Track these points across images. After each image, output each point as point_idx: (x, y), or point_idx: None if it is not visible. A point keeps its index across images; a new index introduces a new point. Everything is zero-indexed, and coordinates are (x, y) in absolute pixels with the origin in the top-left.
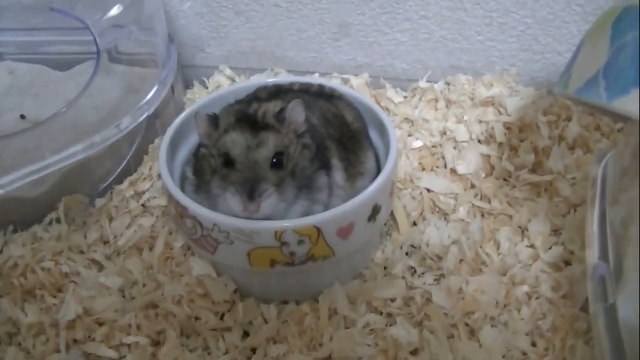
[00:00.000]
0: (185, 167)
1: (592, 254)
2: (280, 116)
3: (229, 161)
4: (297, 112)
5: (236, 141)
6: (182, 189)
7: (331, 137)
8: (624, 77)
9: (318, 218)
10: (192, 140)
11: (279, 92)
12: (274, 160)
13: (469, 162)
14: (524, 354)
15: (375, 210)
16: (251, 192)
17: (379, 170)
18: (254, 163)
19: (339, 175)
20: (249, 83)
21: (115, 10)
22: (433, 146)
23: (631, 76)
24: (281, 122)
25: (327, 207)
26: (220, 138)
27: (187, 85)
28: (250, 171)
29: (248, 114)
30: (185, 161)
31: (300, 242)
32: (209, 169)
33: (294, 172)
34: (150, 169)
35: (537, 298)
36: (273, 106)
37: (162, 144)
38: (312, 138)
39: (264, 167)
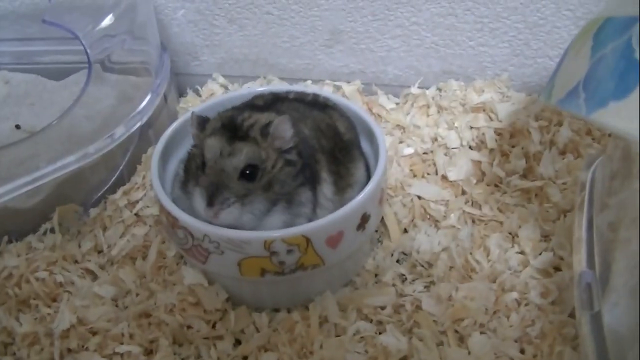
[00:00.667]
0: (179, 165)
1: (580, 260)
2: (265, 131)
3: (203, 163)
4: (283, 129)
5: (211, 146)
6: (174, 192)
7: (322, 149)
8: (603, 89)
9: (307, 228)
10: (184, 149)
11: (275, 100)
12: (246, 171)
13: (460, 169)
14: None
15: (365, 219)
16: (211, 198)
17: (369, 178)
18: (221, 170)
19: (327, 189)
20: (242, 91)
21: (107, 21)
22: (424, 153)
23: (609, 88)
24: (264, 136)
25: (310, 221)
26: (203, 140)
27: (181, 94)
28: (216, 177)
29: (234, 121)
30: (177, 171)
31: (289, 251)
32: (194, 168)
33: (270, 186)
34: (143, 178)
35: (527, 304)
36: (265, 117)
37: (154, 153)
38: (299, 154)
39: (232, 176)
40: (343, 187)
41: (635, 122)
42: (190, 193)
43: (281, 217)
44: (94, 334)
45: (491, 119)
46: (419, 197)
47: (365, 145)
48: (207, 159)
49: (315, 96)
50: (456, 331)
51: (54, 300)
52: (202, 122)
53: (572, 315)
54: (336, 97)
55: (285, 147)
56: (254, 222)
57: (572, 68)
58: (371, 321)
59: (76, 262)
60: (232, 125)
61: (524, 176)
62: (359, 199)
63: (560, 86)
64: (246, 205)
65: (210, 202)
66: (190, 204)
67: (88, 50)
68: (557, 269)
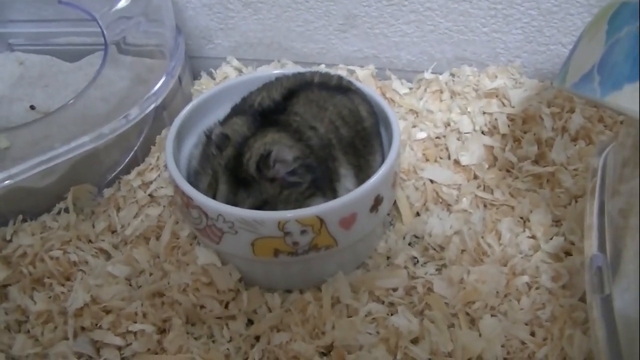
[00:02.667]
0: (193, 148)
1: (591, 245)
2: (265, 162)
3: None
4: (282, 156)
5: (222, 191)
6: (189, 171)
7: (341, 141)
8: (618, 73)
9: (320, 208)
10: (198, 130)
11: (294, 92)
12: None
13: (472, 153)
14: (523, 343)
15: (378, 201)
16: None
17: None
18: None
19: (349, 182)
20: (256, 75)
21: (123, 3)
22: (437, 137)
23: (625, 71)
24: (266, 168)
25: None
26: (215, 170)
27: (195, 76)
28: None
29: (236, 161)
30: (192, 152)
31: (303, 232)
32: (210, 167)
33: (277, 206)
34: (157, 159)
35: (537, 288)
36: (262, 147)
37: (169, 134)
38: (307, 167)
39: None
40: (363, 179)
41: None
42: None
43: None
44: (108, 312)
45: (504, 105)
46: (432, 181)
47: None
48: (218, 198)
49: (339, 79)
50: (467, 314)
51: (68, 279)
52: (222, 142)
53: (582, 299)
54: (355, 82)
55: (289, 169)
56: None
57: (587, 52)
58: (383, 303)
59: (90, 241)
60: (234, 167)
61: (536, 162)
62: (372, 181)
63: (574, 70)
64: None
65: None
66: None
67: (105, 32)
68: (568, 253)
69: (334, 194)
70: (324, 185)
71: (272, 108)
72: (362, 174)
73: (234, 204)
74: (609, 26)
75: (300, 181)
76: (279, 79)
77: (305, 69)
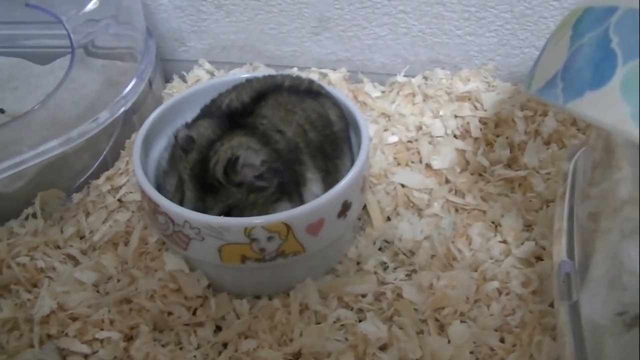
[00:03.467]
0: (163, 151)
1: (560, 251)
2: (232, 167)
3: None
4: (250, 161)
5: (188, 197)
6: (158, 177)
7: (309, 145)
8: (580, 79)
9: (287, 215)
10: (168, 134)
11: (263, 94)
12: (222, 214)
13: (444, 157)
14: (492, 349)
15: (346, 206)
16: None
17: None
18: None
19: (316, 187)
20: (228, 78)
21: (91, 5)
22: (409, 141)
23: (586, 78)
24: (233, 174)
25: None
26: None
27: (167, 80)
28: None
29: (201, 168)
30: (161, 155)
31: (269, 238)
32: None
33: (245, 212)
34: (127, 164)
35: (507, 294)
36: (229, 151)
37: (137, 139)
38: (275, 171)
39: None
40: (331, 183)
41: (610, 112)
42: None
43: None
44: (74, 319)
45: (476, 108)
46: (403, 186)
47: (350, 133)
48: (186, 204)
49: (310, 83)
50: (437, 320)
51: (35, 285)
52: (188, 145)
53: (552, 305)
54: (327, 87)
55: (257, 173)
56: None
57: (552, 58)
58: (352, 309)
59: (58, 247)
60: (200, 171)
61: (508, 166)
62: (340, 187)
63: (540, 76)
64: None
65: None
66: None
67: (71, 35)
68: (539, 258)
69: (300, 198)
70: (290, 189)
71: (240, 110)
72: (330, 178)
73: (203, 210)
74: (573, 32)
75: (267, 185)
76: (249, 81)
77: (278, 73)
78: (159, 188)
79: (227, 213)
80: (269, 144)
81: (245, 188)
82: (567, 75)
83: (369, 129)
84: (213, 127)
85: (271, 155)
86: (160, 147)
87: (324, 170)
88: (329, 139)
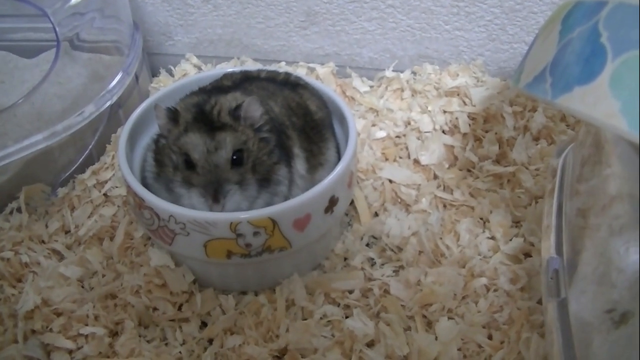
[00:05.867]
0: (146, 152)
1: (548, 247)
2: (236, 113)
3: (190, 163)
4: (252, 109)
5: (196, 144)
6: (143, 176)
7: (294, 126)
8: (568, 74)
9: (273, 210)
10: (153, 130)
11: (244, 80)
12: (234, 158)
13: (432, 153)
14: (480, 346)
15: (333, 202)
16: (215, 195)
17: (340, 161)
18: (215, 166)
19: (300, 165)
20: (215, 72)
21: None
22: (397, 136)
23: (575, 73)
24: (237, 119)
25: (287, 199)
26: (180, 137)
27: (154, 74)
28: (212, 174)
29: (205, 111)
30: (145, 155)
31: (255, 233)
32: (170, 163)
33: (255, 167)
34: (112, 158)
35: (495, 290)
36: (231, 99)
37: (122, 133)
38: (270, 130)
39: (225, 168)
40: (315, 165)
41: (600, 107)
42: (178, 193)
43: (265, 197)
44: (59, 315)
45: (465, 104)
46: (390, 181)
47: (336, 128)
48: (196, 159)
49: (287, 75)
50: (424, 316)
51: (19, 280)
52: (172, 115)
53: (540, 302)
54: (308, 79)
55: (257, 125)
56: (248, 206)
57: (541, 52)
58: (338, 305)
59: (43, 242)
60: (204, 116)
61: (497, 161)
62: (327, 182)
63: (528, 70)
64: (243, 189)
65: (216, 199)
66: (173, 198)
67: (56, 28)
68: (528, 255)
69: (291, 171)
70: (284, 156)
71: (226, 88)
72: (313, 159)
73: (215, 148)
74: (562, 26)
75: (268, 137)
76: (225, 76)
77: (266, 67)
78: (145, 183)
79: (239, 160)
80: (263, 107)
81: (252, 130)
82: (555, 70)
83: (356, 124)
84: (202, 96)
85: (269, 112)
86: (146, 141)
87: (308, 151)
88: (310, 125)
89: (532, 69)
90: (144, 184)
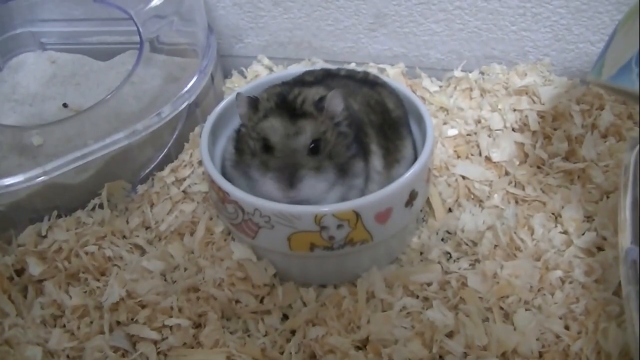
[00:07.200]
0: (227, 143)
1: (625, 239)
2: (319, 105)
3: (268, 147)
4: (335, 102)
5: (275, 128)
6: (224, 170)
7: (372, 123)
8: None
9: (357, 203)
10: (231, 127)
11: (325, 76)
12: (312, 146)
13: (503, 150)
14: (558, 336)
15: (412, 196)
16: (291, 179)
17: (415, 157)
18: (292, 151)
19: (377, 161)
20: (287, 72)
21: (157, 1)
22: (468, 134)
23: None
24: (319, 110)
25: (363, 194)
26: (259, 122)
27: (226, 75)
28: (288, 158)
29: (287, 99)
30: (225, 148)
31: (339, 226)
32: (247, 149)
33: (331, 156)
34: (190, 156)
35: (571, 282)
36: (314, 92)
37: (204, 131)
38: (349, 125)
39: (302, 153)
40: (391, 162)
41: None
42: (254, 177)
43: (340, 190)
44: (143, 307)
45: (534, 102)
46: (463, 178)
47: (412, 126)
48: (274, 142)
49: (365, 74)
50: (501, 308)
51: (103, 274)
52: (253, 102)
53: (615, 293)
54: (385, 78)
55: (338, 119)
56: (322, 194)
57: (623, 46)
58: (417, 297)
59: (124, 237)
60: (286, 103)
61: (566, 158)
62: (408, 176)
63: (611, 63)
64: (319, 176)
65: (291, 183)
66: (250, 184)
67: (140, 29)
68: (600, 248)
69: (367, 166)
70: (361, 152)
71: (309, 82)
72: (390, 157)
73: (295, 133)
74: None
75: (346, 131)
76: (307, 72)
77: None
78: (224, 173)
79: (317, 148)
80: (345, 102)
81: (332, 122)
82: None
83: (432, 121)
84: (284, 87)
85: (347, 109)
86: (224, 140)
87: (384, 148)
88: (388, 123)
89: (615, 61)
90: (223, 173)
